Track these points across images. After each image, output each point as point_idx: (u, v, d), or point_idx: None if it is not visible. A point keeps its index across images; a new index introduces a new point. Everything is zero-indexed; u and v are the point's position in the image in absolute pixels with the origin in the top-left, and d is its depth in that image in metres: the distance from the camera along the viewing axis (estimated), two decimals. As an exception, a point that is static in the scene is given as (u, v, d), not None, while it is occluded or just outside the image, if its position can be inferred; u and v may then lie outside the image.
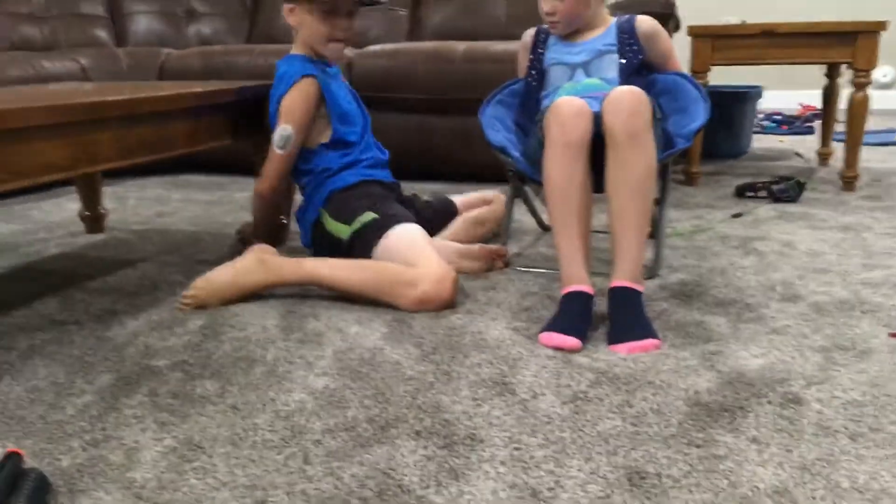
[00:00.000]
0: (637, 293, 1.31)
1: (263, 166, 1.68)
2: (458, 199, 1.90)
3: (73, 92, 1.56)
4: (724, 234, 1.93)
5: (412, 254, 1.48)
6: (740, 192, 2.35)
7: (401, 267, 1.46)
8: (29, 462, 0.94)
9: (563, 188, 1.37)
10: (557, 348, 1.25)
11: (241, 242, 1.82)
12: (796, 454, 0.92)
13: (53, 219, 2.30)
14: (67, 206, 2.47)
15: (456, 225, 1.82)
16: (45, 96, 1.40)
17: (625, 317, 1.28)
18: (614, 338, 1.26)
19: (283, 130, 1.62)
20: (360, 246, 1.56)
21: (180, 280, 1.66)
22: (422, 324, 1.37)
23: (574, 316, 1.30)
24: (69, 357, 1.26)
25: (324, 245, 1.66)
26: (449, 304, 1.44)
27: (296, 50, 1.73)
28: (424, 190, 2.33)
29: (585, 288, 1.32)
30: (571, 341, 1.24)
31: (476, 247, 1.67)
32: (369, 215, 1.58)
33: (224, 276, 1.50)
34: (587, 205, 1.38)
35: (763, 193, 2.31)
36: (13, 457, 0.89)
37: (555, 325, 1.29)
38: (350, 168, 1.70)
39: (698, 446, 0.95)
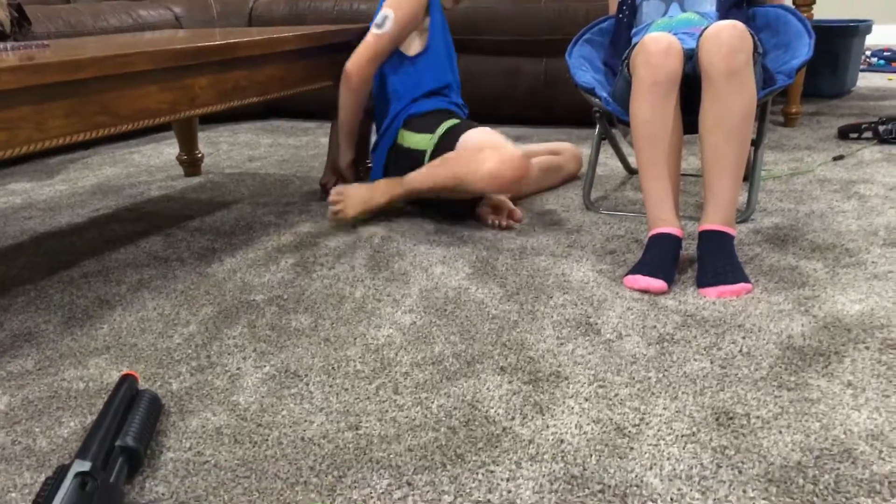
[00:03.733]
0: (729, 237, 1.28)
1: (357, 48, 1.70)
2: (525, 149, 1.87)
3: (169, 38, 1.62)
4: (823, 177, 1.84)
5: (483, 143, 1.55)
6: (843, 134, 2.22)
7: (471, 150, 1.54)
8: (142, 384, 1.02)
9: (651, 129, 1.33)
10: (643, 290, 1.24)
11: (325, 192, 1.87)
12: (894, 399, 0.89)
13: (153, 162, 2.41)
14: (166, 150, 2.59)
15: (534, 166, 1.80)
16: (144, 43, 1.45)
17: (715, 260, 1.25)
18: (704, 281, 1.24)
19: (386, 12, 1.66)
20: (444, 149, 1.62)
21: (273, 221, 1.72)
22: (505, 264, 1.39)
23: (661, 258, 1.27)
24: (174, 291, 1.35)
25: (402, 164, 1.70)
26: (519, 180, 1.49)
27: None
28: (509, 134, 2.31)
29: (674, 230, 1.30)
30: (658, 283, 1.23)
31: (495, 198, 1.66)
32: (451, 121, 1.67)
33: (358, 192, 1.68)
34: (677, 146, 1.34)
35: (868, 134, 2.17)
36: (129, 379, 0.97)
37: (641, 268, 1.27)
38: (435, 96, 1.75)
39: (790, 389, 0.93)
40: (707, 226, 1.29)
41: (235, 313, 1.24)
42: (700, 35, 1.32)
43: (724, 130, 1.28)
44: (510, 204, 1.64)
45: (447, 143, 1.62)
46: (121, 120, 1.23)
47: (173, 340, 1.15)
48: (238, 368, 1.06)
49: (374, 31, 1.67)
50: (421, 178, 1.61)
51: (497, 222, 1.60)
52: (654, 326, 1.11)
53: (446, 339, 1.11)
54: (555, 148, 1.91)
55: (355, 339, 1.13)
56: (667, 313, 1.15)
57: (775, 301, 1.18)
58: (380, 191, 1.67)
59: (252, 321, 1.21)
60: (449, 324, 1.16)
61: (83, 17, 2.62)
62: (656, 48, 1.32)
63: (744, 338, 1.06)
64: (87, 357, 1.11)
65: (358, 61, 1.69)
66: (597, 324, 1.13)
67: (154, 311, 1.27)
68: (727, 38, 1.27)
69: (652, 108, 1.33)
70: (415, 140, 1.69)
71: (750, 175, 1.57)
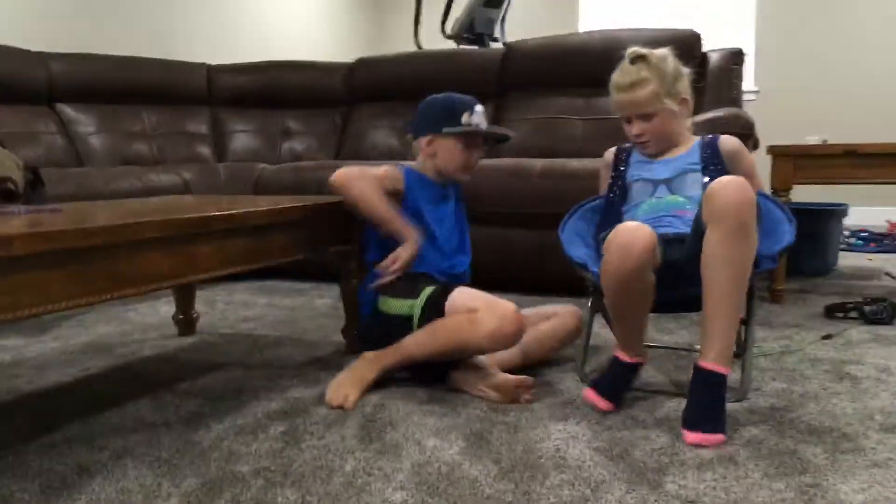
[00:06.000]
0: (722, 377, 1.37)
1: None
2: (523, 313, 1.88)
3: (176, 205, 1.69)
4: (814, 356, 1.86)
5: (474, 303, 1.60)
6: (830, 312, 2.27)
7: (465, 314, 1.58)
8: (116, 564, 0.96)
9: (619, 307, 1.48)
10: (593, 406, 1.49)
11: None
12: None
13: (149, 321, 2.42)
14: (162, 308, 2.60)
15: (526, 340, 1.74)
16: (152, 210, 1.51)
17: (703, 402, 1.36)
18: (688, 422, 1.36)
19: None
20: (432, 312, 1.64)
21: (263, 385, 1.70)
22: (500, 438, 1.36)
23: (616, 384, 1.51)
24: (157, 459, 1.30)
25: (389, 332, 1.68)
26: (519, 334, 1.57)
27: (418, 168, 1.90)
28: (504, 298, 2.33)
29: (634, 360, 1.51)
30: (606, 404, 1.48)
31: (502, 377, 1.59)
32: (431, 286, 1.70)
33: (348, 378, 1.62)
34: (648, 306, 1.48)
35: (854, 314, 2.22)
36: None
37: (597, 386, 1.50)
38: (434, 269, 1.81)
39: (799, 589, 0.88)
40: (704, 364, 1.38)
41: (220, 486, 1.19)
42: (701, 196, 1.40)
43: (727, 277, 1.37)
44: (509, 377, 1.57)
45: (434, 307, 1.64)
46: (124, 285, 1.26)
47: (152, 515, 1.10)
48: (218, 549, 1.00)
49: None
50: (418, 346, 1.62)
51: (522, 397, 1.56)
52: (655, 513, 1.07)
53: (438, 520, 1.07)
54: (549, 312, 1.88)
55: (343, 518, 1.08)
56: (668, 498, 1.12)
57: (777, 488, 1.14)
58: (369, 367, 1.64)
59: (236, 496, 1.16)
60: (441, 503, 1.12)
61: (95, 180, 2.74)
62: (619, 241, 1.41)
63: (748, 528, 1.02)
64: (59, 532, 1.05)
65: (344, 173, 1.76)
66: (595, 508, 1.09)
67: (135, 480, 1.22)
68: (737, 189, 1.34)
69: (615, 293, 1.46)
70: (396, 306, 1.71)
71: (743, 353, 1.58)
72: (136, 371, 1.85)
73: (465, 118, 1.82)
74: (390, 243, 1.76)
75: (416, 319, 1.66)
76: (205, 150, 3.69)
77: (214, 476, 1.23)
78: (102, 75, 3.56)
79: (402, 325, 1.67)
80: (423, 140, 1.86)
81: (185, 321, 2.20)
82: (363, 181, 1.76)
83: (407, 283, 1.73)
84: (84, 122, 3.46)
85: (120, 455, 1.32)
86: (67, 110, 3.46)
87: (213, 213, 1.41)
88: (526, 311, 1.86)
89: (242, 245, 1.52)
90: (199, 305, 2.62)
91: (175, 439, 1.39)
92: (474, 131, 1.84)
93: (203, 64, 3.89)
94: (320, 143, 3.75)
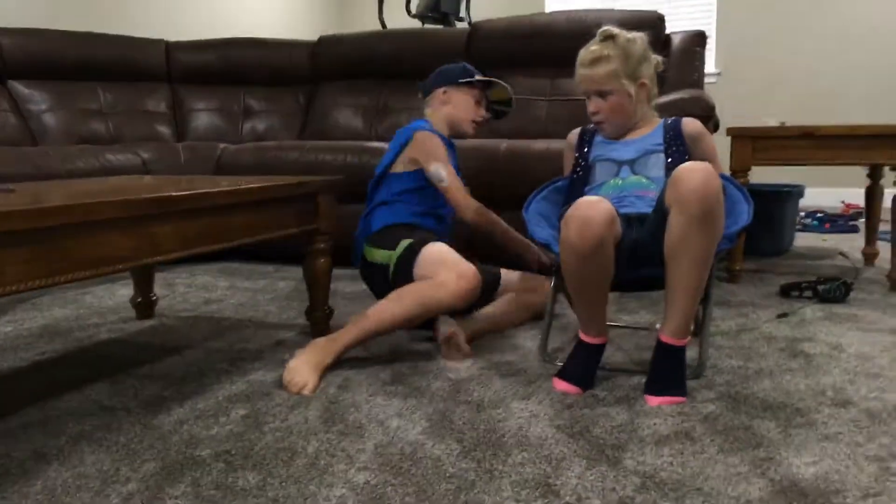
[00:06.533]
0: (681, 348, 1.45)
1: (455, 203, 1.97)
2: (504, 275, 2.07)
3: (133, 185, 1.65)
4: (769, 334, 1.90)
5: (437, 266, 1.74)
6: (785, 292, 2.33)
7: (429, 280, 1.71)
8: (74, 550, 0.94)
9: (577, 284, 1.48)
10: (564, 392, 1.49)
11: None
12: (856, 572, 0.88)
13: (106, 304, 2.37)
14: (120, 291, 2.56)
15: (506, 301, 1.99)
16: (109, 191, 1.48)
17: (663, 370, 1.44)
18: (649, 388, 1.44)
19: (434, 169, 1.95)
20: (404, 267, 1.82)
21: (225, 368, 1.69)
22: (463, 418, 1.37)
23: (583, 368, 1.52)
24: (116, 444, 1.29)
25: (375, 278, 1.94)
26: (476, 290, 1.70)
27: (430, 121, 2.11)
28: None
29: (598, 340, 1.53)
30: (574, 389, 1.49)
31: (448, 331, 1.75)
32: (406, 241, 1.86)
33: (306, 363, 1.59)
34: (607, 281, 1.48)
35: (808, 293, 2.28)
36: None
37: (564, 374, 1.52)
38: (418, 215, 1.99)
39: (751, 560, 0.91)
40: (667, 338, 1.44)
41: (180, 470, 1.18)
42: (663, 177, 1.41)
43: (689, 260, 1.40)
44: (461, 340, 1.73)
45: (406, 262, 1.82)
46: (81, 267, 1.23)
47: (110, 500, 1.09)
48: (179, 533, 0.99)
49: (443, 185, 1.95)
50: (383, 315, 1.67)
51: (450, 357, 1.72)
52: (614, 489, 1.10)
53: (401, 500, 1.08)
54: (528, 281, 2.04)
55: (305, 499, 1.08)
56: (626, 474, 1.14)
57: (732, 463, 1.18)
58: (325, 351, 1.62)
59: (196, 479, 1.15)
60: (404, 483, 1.13)
61: (52, 160, 2.66)
62: (577, 215, 1.41)
63: (703, 502, 1.05)
64: (14, 518, 1.03)
65: (460, 202, 1.94)
66: (556, 485, 1.11)
67: (93, 466, 1.20)
68: (703, 178, 1.34)
69: (575, 268, 1.45)
70: (378, 255, 1.91)
71: (700, 332, 1.61)
72: (94, 355, 1.82)
73: (477, 77, 2.10)
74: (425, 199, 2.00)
75: (392, 269, 1.85)
76: (164, 129, 3.61)
77: (174, 460, 1.22)
78: (56, 51, 3.45)
79: (383, 273, 1.88)
80: (439, 91, 2.10)
81: (144, 304, 2.16)
82: (490, 213, 1.96)
83: (389, 234, 1.92)
84: (37, 99, 3.36)
85: (77, 440, 1.30)
86: (20, 87, 3.36)
87: (172, 193, 1.38)
88: (511, 276, 2.06)
89: (202, 226, 1.49)
90: (159, 288, 2.58)
91: (134, 423, 1.38)
92: (488, 80, 2.10)
93: (161, 40, 3.79)
94: (283, 123, 3.70)
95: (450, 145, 2.08)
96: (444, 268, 1.71)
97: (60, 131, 3.33)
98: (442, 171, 1.94)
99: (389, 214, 1.98)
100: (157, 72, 3.73)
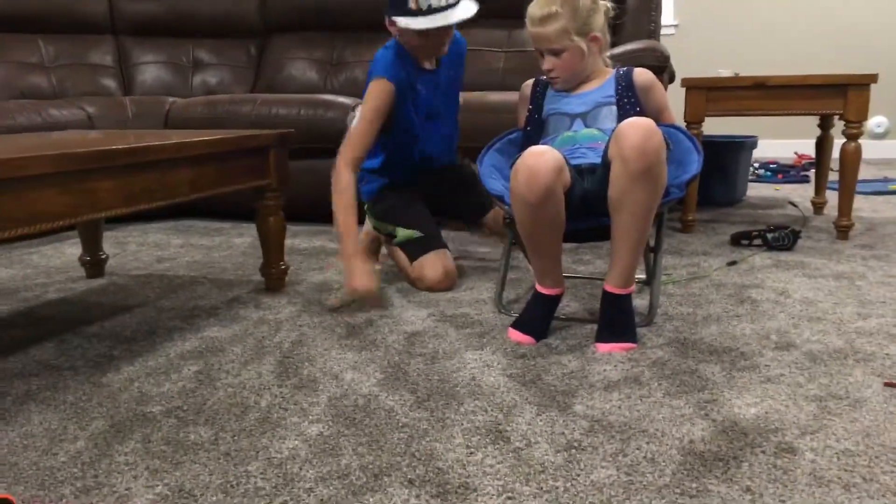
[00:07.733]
0: (626, 297, 1.49)
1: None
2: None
3: (75, 140, 1.60)
4: (719, 281, 1.95)
5: (430, 268, 1.92)
6: (735, 240, 2.37)
7: (413, 270, 1.94)
8: (19, 509, 0.93)
9: (530, 233, 1.50)
10: (518, 342, 1.51)
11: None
12: (790, 505, 0.92)
13: (53, 263, 2.31)
14: (67, 251, 2.49)
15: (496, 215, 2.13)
16: (47, 145, 1.42)
17: (611, 319, 1.48)
18: (600, 336, 1.49)
19: (351, 114, 1.97)
20: (404, 249, 1.98)
21: (178, 325, 1.67)
22: (417, 369, 1.38)
23: (538, 318, 1.55)
24: (63, 403, 1.27)
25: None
26: (450, 288, 1.92)
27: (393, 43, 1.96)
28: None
29: (553, 291, 1.55)
30: (528, 339, 1.52)
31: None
32: (415, 233, 1.97)
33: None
34: (559, 230, 1.50)
35: (758, 241, 2.32)
36: (4, 503, 0.89)
37: (519, 324, 1.55)
38: (400, 163, 2.04)
39: (692, 496, 0.94)
40: (611, 288, 1.48)
41: (129, 427, 1.17)
42: (614, 129, 1.41)
43: (630, 214, 1.42)
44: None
45: (409, 250, 1.96)
46: (16, 224, 1.19)
47: (58, 459, 1.07)
48: (127, 489, 0.99)
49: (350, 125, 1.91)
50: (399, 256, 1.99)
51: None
52: (563, 433, 1.12)
53: (354, 450, 1.08)
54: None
55: (258, 452, 1.08)
56: (575, 418, 1.16)
57: (677, 405, 1.21)
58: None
59: (147, 435, 1.14)
60: (357, 433, 1.13)
61: (-11, 114, 2.55)
62: (526, 164, 1.41)
63: (648, 443, 1.08)
64: (-43, 480, 1.01)
65: (339, 156, 1.85)
66: (506, 431, 1.13)
67: (40, 425, 1.18)
68: (643, 134, 1.35)
69: (527, 218, 1.46)
70: (378, 225, 2.06)
71: (651, 281, 1.64)
72: (41, 315, 1.78)
73: (411, 3, 1.79)
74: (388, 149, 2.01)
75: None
76: (110, 82, 3.48)
77: (124, 417, 1.20)
78: (-10, 1, 3.28)
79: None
80: (387, 23, 1.90)
81: (93, 263, 2.11)
82: (339, 196, 1.82)
83: (387, 207, 2.03)
84: (-28, 52, 3.21)
85: (23, 400, 1.28)
86: (-48, 39, 3.20)
87: (111, 147, 1.33)
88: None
89: (147, 181, 1.45)
90: (109, 247, 2.52)
91: (82, 382, 1.35)
92: (404, 28, 1.83)
93: (103, -10, 3.63)
94: (235, 76, 3.59)
95: (412, 67, 1.93)
96: (430, 271, 1.91)
97: (-2, 85, 3.19)
98: (355, 120, 1.87)
99: (371, 178, 2.07)
100: (100, 23, 3.57)
